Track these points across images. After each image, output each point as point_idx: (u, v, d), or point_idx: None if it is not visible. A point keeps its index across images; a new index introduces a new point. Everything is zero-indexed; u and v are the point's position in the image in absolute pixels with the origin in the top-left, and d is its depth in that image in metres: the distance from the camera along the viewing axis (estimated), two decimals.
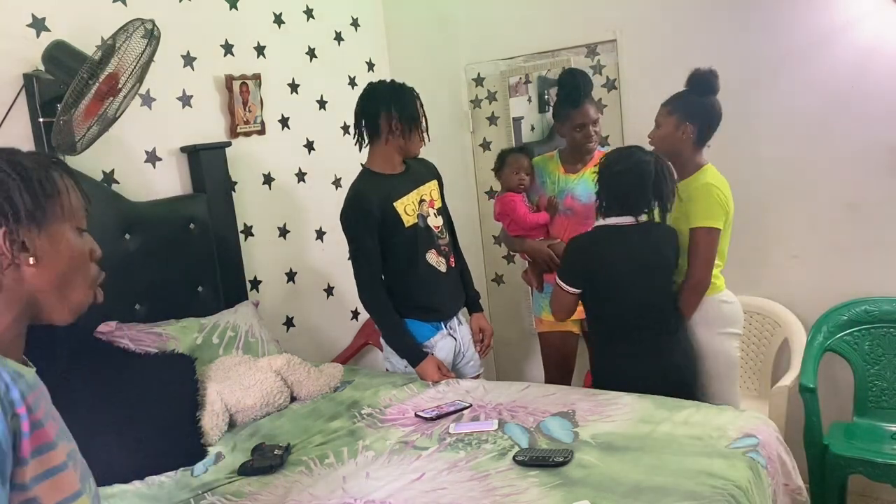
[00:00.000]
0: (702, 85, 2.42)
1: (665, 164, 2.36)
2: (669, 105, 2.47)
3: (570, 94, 2.78)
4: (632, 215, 2.35)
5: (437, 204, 2.68)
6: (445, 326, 2.69)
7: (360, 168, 2.66)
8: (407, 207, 2.56)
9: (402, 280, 2.60)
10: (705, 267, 2.39)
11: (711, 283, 2.43)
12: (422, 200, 2.61)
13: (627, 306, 2.36)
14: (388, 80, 2.62)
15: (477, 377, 2.74)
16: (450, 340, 2.69)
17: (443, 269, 2.64)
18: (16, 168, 0.96)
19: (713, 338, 2.44)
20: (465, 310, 2.83)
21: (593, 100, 2.84)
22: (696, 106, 2.43)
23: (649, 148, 2.45)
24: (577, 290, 2.40)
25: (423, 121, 2.60)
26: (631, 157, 2.35)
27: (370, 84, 2.60)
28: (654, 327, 2.37)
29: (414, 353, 2.58)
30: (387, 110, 2.50)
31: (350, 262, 2.62)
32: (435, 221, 2.65)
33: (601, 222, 2.40)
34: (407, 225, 2.55)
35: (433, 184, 2.69)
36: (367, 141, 2.58)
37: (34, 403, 0.92)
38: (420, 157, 2.69)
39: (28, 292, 0.97)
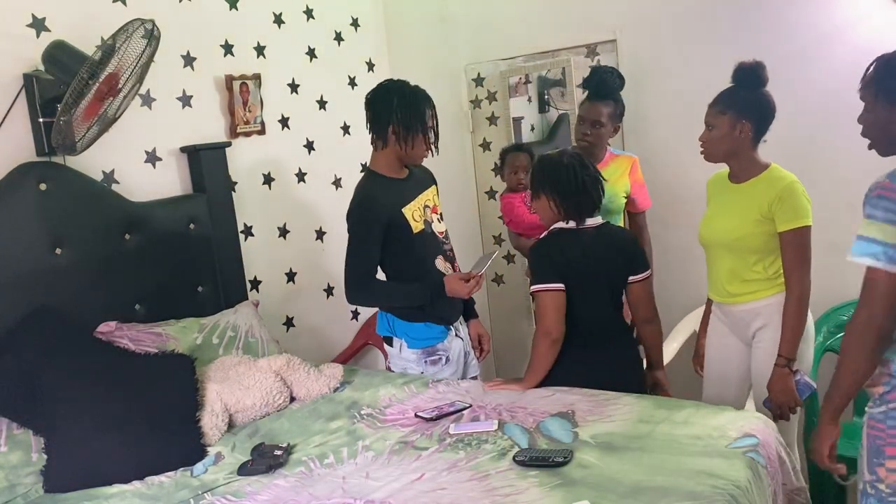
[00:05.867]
0: (750, 78, 2.27)
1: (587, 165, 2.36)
2: (720, 104, 2.29)
3: (587, 84, 2.83)
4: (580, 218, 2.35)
5: (440, 209, 2.68)
6: (452, 328, 2.68)
7: (361, 168, 2.65)
8: (414, 213, 2.55)
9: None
10: (809, 271, 2.22)
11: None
12: (426, 206, 2.60)
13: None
14: (402, 82, 2.54)
15: (474, 378, 2.74)
16: (458, 341, 2.69)
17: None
18: None
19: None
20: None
21: (612, 104, 2.80)
22: (750, 101, 2.25)
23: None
24: (560, 285, 2.31)
25: (432, 130, 2.52)
26: (561, 160, 2.36)
27: (381, 84, 2.55)
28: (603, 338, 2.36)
29: (433, 287, 2.52)
30: (390, 114, 2.46)
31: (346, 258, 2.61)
32: (439, 227, 2.65)
33: (558, 226, 2.39)
34: (415, 231, 2.53)
35: (433, 189, 2.68)
36: (376, 141, 2.54)
37: None
38: None
39: None
